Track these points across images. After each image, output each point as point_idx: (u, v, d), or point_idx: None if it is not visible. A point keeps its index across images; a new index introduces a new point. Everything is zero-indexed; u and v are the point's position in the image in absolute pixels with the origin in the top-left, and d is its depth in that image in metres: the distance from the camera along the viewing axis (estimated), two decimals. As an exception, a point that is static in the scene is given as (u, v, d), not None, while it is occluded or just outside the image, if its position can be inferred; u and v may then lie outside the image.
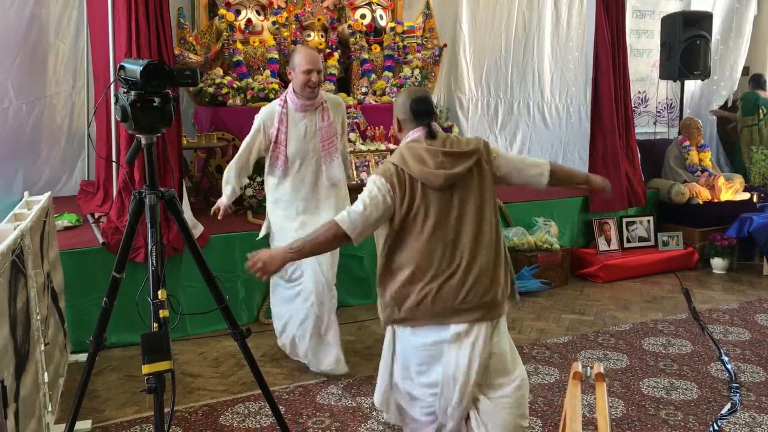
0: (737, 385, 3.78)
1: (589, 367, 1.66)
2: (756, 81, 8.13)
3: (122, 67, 2.16)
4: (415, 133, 2.65)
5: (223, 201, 3.81)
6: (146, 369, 2.01)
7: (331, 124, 3.76)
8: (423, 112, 2.65)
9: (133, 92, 2.11)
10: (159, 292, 2.10)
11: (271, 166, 3.79)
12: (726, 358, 4.13)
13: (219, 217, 3.81)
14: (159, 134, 2.23)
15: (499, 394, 2.62)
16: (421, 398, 2.66)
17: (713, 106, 8.47)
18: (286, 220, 3.80)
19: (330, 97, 3.89)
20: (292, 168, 3.75)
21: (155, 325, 2.10)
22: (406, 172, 2.54)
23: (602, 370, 1.66)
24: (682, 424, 3.36)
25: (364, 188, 2.60)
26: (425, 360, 2.61)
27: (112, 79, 2.19)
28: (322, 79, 3.70)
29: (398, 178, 2.54)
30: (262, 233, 4.01)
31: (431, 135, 2.62)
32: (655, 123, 8.17)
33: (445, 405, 2.60)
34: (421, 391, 2.65)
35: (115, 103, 2.18)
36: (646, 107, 8.26)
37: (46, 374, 3.19)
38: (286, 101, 3.75)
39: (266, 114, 3.76)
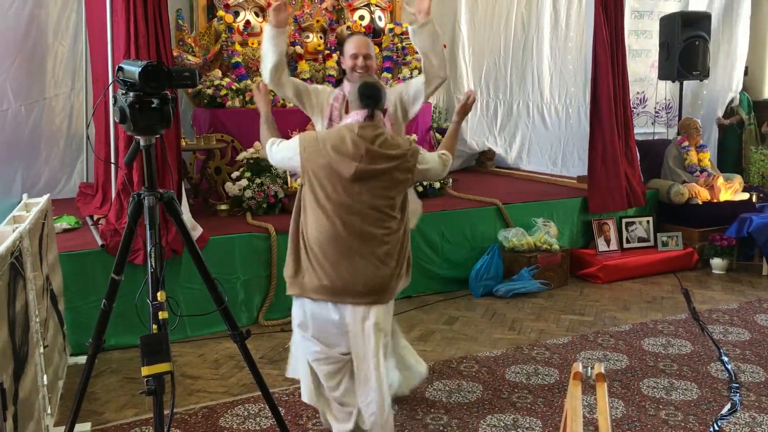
0: (737, 385, 3.78)
1: (589, 368, 1.66)
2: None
3: (121, 69, 2.16)
4: (356, 116, 2.82)
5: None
6: (145, 371, 2.00)
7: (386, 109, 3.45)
8: (367, 95, 2.81)
9: (131, 93, 2.10)
10: (158, 294, 2.09)
11: None
12: (726, 359, 4.13)
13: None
14: (158, 136, 2.22)
15: None
16: None
17: (718, 113, 8.45)
18: None
19: (396, 87, 3.63)
20: None
21: (154, 326, 2.09)
22: (322, 151, 2.76)
23: (603, 371, 1.65)
24: (682, 424, 3.36)
25: None
26: None
27: (110, 81, 2.18)
28: (371, 64, 3.46)
29: (313, 147, 2.79)
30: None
31: (371, 117, 2.81)
32: (653, 123, 8.17)
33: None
34: None
35: (114, 105, 2.17)
36: (644, 107, 8.26)
37: (45, 377, 3.18)
38: (343, 87, 3.54)
39: (324, 89, 3.57)
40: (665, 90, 8.15)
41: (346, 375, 2.97)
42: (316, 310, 2.89)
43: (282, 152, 2.91)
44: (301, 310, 2.97)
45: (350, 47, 3.49)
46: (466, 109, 3.18)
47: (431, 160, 2.94)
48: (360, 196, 2.75)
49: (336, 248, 2.76)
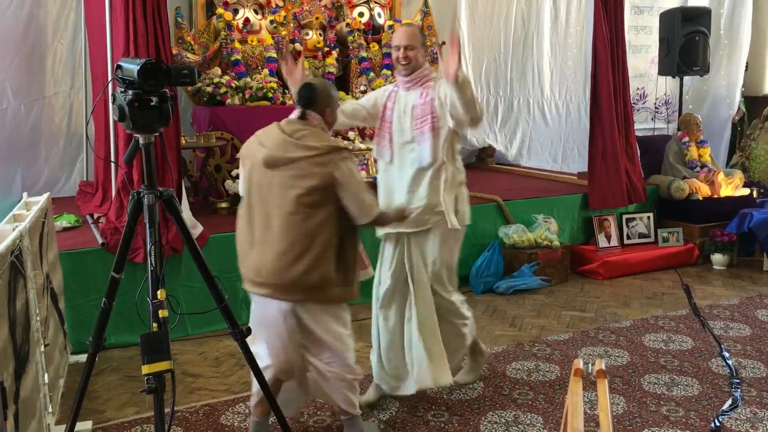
0: (738, 380, 3.78)
1: (590, 364, 1.66)
2: None
3: (119, 67, 2.16)
4: (293, 113, 2.96)
5: None
6: (146, 369, 2.00)
7: (428, 101, 3.36)
8: (301, 95, 2.94)
9: (130, 91, 2.10)
10: (158, 292, 2.09)
11: (378, 145, 3.50)
12: (727, 354, 4.13)
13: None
14: (157, 134, 2.22)
15: None
16: None
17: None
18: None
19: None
20: (395, 148, 3.42)
21: (155, 325, 2.09)
22: (252, 144, 2.89)
23: (603, 367, 1.65)
24: (684, 420, 3.36)
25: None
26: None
27: (109, 79, 2.18)
28: (413, 55, 3.38)
29: (246, 147, 2.91)
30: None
31: (302, 116, 2.91)
32: (653, 119, 8.16)
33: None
34: None
35: (113, 103, 2.17)
36: (644, 103, 8.25)
37: (46, 375, 3.18)
38: (397, 82, 3.53)
39: (380, 91, 3.59)
40: (665, 86, 8.14)
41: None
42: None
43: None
44: None
45: (393, 40, 3.50)
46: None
47: (353, 182, 2.83)
48: (272, 182, 2.80)
49: (246, 237, 2.90)
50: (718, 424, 3.31)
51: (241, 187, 2.96)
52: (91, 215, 5.04)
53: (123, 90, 2.13)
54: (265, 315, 2.93)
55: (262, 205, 2.82)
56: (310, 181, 2.75)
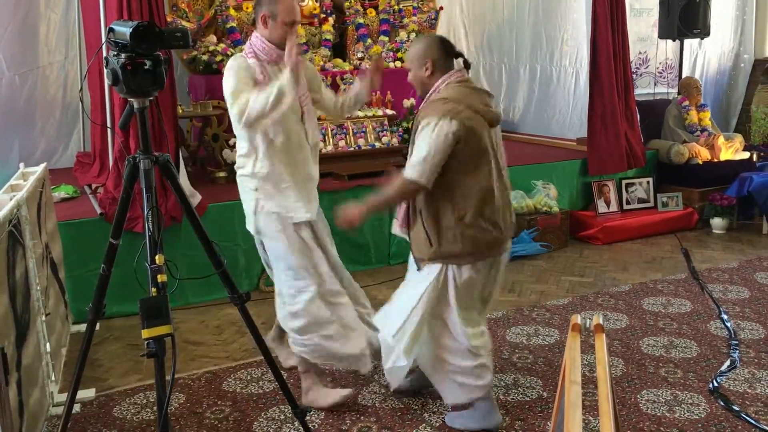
0: (736, 342, 3.80)
1: (588, 320, 1.66)
2: None
3: (112, 30, 2.12)
4: (459, 74, 2.79)
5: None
6: (146, 333, 2.00)
7: (302, 76, 3.06)
8: (453, 48, 2.80)
9: (123, 55, 2.07)
10: (156, 257, 2.08)
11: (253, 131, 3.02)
12: (725, 316, 4.15)
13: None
14: (151, 98, 2.19)
15: None
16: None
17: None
18: (280, 195, 3.12)
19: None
20: (279, 130, 3.04)
21: (153, 290, 2.09)
22: (469, 107, 2.67)
23: (601, 322, 1.66)
24: (682, 381, 3.38)
25: (420, 132, 2.69)
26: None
27: (102, 42, 2.13)
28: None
29: (461, 116, 2.64)
30: (250, 215, 3.22)
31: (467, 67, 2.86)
32: (655, 84, 8.09)
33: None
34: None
35: (106, 67, 2.14)
36: (647, 68, 8.17)
37: (48, 344, 3.20)
38: (255, 54, 3.06)
39: (240, 65, 3.02)
40: (666, 49, 8.04)
41: None
42: None
43: (436, 158, 2.79)
44: None
45: (286, 13, 3.02)
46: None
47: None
48: (497, 140, 2.94)
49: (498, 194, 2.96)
50: (716, 384, 3.34)
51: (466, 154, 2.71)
52: (89, 186, 5.03)
53: (116, 54, 2.10)
54: (487, 274, 2.92)
55: (493, 166, 2.79)
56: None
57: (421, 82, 2.82)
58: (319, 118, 4.83)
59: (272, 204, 3.11)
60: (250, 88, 2.93)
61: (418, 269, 2.91)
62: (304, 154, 3.16)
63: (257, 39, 3.09)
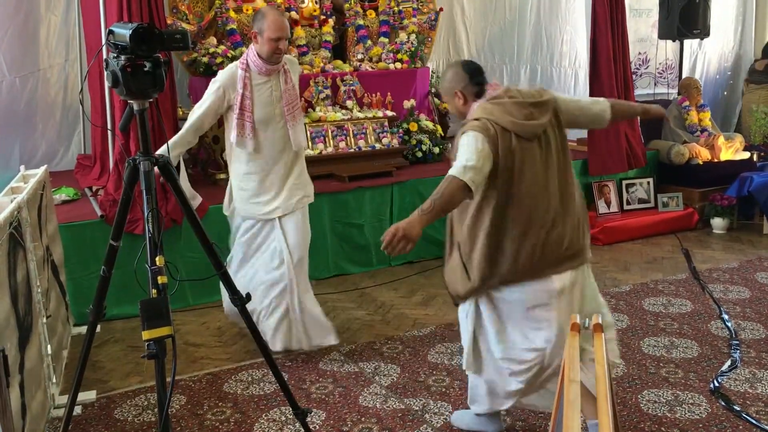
0: (737, 342, 3.80)
1: (587, 319, 1.67)
2: None
3: (111, 32, 2.13)
4: (492, 90, 2.68)
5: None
6: (146, 335, 2.00)
7: (294, 86, 3.58)
8: (477, 69, 2.72)
9: (123, 57, 2.07)
10: (157, 259, 2.08)
11: (239, 135, 3.49)
12: (726, 316, 4.15)
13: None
14: (151, 99, 2.20)
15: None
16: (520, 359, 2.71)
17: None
18: (256, 194, 3.59)
19: (287, 58, 3.63)
20: (259, 135, 3.51)
21: (154, 291, 2.09)
22: (499, 124, 2.56)
23: (600, 321, 1.66)
24: (683, 381, 3.38)
25: (459, 147, 2.59)
26: (531, 317, 2.66)
27: (102, 45, 2.15)
28: (287, 45, 3.48)
29: (490, 133, 2.54)
30: (227, 211, 3.76)
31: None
32: (655, 84, 8.09)
33: (554, 357, 2.64)
34: (521, 353, 2.70)
35: (106, 68, 2.14)
36: (647, 68, 8.17)
37: (49, 346, 3.21)
38: (247, 64, 3.47)
39: (226, 77, 3.48)
40: (666, 50, 8.05)
41: None
42: None
43: (482, 164, 2.54)
44: None
45: (271, 30, 3.39)
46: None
47: (560, 96, 2.82)
48: None
49: None
50: (717, 384, 3.34)
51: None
52: (90, 188, 5.03)
53: (116, 56, 2.11)
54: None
55: (540, 181, 2.67)
56: (564, 133, 2.79)
57: (460, 112, 2.79)
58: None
59: None
60: (202, 110, 3.47)
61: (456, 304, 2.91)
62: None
63: (251, 51, 3.50)
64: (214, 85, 3.50)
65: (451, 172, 2.51)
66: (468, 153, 2.51)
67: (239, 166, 3.62)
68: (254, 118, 3.48)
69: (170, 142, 3.27)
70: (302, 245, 3.66)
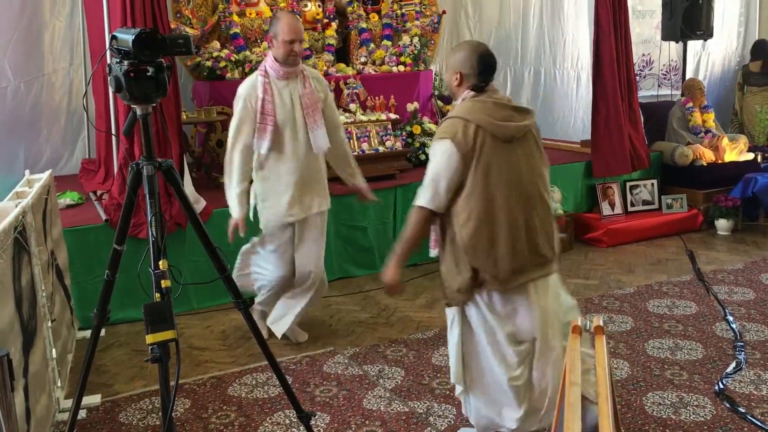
0: (742, 343, 3.79)
1: (588, 321, 1.67)
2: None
3: (114, 37, 2.14)
4: (491, 93, 2.68)
5: (237, 215, 3.58)
6: (150, 339, 2.01)
7: (312, 91, 3.65)
8: (490, 68, 2.67)
9: (126, 62, 2.09)
10: (160, 263, 2.09)
11: (258, 139, 3.57)
12: (731, 318, 4.14)
13: (241, 235, 3.62)
14: (154, 104, 2.21)
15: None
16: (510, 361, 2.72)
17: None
18: (277, 195, 3.66)
19: (312, 72, 3.77)
20: (280, 138, 3.60)
21: (157, 295, 2.10)
22: (474, 123, 2.55)
23: (601, 323, 1.66)
24: (687, 383, 3.37)
25: (431, 157, 2.63)
26: (509, 321, 2.69)
27: (106, 50, 2.16)
28: (302, 48, 3.59)
29: (464, 133, 2.54)
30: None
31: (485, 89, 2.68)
32: (659, 86, 8.08)
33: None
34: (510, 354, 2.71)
35: (109, 74, 2.16)
36: (650, 70, 8.16)
37: (54, 350, 3.21)
38: (266, 71, 3.61)
39: (248, 88, 3.60)
40: (669, 51, 8.04)
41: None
42: None
43: (446, 183, 2.62)
44: None
45: (286, 32, 3.54)
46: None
47: None
48: None
49: None
50: (722, 386, 3.33)
51: None
52: (94, 192, 5.05)
53: (119, 60, 2.12)
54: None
55: (514, 184, 2.68)
56: (540, 145, 2.83)
57: (450, 89, 2.78)
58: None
59: None
60: (247, 128, 3.56)
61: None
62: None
63: (269, 57, 3.63)
64: (239, 101, 3.60)
65: (418, 201, 2.60)
66: (437, 169, 2.57)
67: (263, 172, 3.69)
68: (276, 121, 3.58)
69: (234, 180, 3.57)
70: (316, 258, 3.88)
